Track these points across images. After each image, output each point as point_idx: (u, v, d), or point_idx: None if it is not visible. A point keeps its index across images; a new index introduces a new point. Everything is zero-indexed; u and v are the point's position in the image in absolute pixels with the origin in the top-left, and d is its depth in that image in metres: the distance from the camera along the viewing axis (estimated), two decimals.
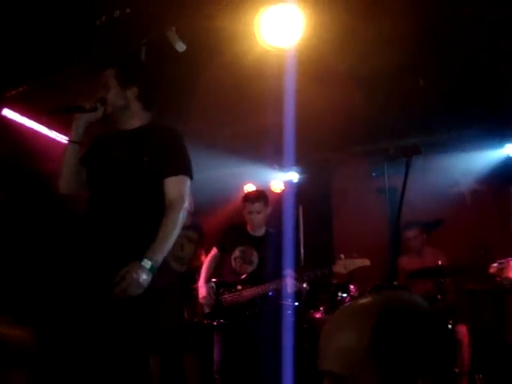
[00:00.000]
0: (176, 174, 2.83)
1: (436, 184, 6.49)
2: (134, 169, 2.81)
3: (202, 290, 4.82)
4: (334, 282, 4.80)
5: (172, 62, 3.77)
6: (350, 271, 4.46)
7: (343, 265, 4.44)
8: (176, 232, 2.77)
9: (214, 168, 6.35)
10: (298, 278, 4.74)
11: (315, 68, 4.05)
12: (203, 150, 5.92)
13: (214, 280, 4.89)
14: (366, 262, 4.44)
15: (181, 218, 2.79)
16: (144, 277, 2.58)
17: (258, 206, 4.88)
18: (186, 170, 2.89)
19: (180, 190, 2.82)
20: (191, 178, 2.91)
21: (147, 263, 2.61)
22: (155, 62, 3.59)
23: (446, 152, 6.37)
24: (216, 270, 5.02)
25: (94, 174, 2.96)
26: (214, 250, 5.06)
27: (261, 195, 5.04)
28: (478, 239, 5.91)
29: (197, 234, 5.21)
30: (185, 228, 5.74)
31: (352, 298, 4.61)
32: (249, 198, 4.99)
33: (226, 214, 6.69)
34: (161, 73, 3.30)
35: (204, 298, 4.78)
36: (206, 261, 5.04)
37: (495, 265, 3.21)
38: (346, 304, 1.37)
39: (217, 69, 4.03)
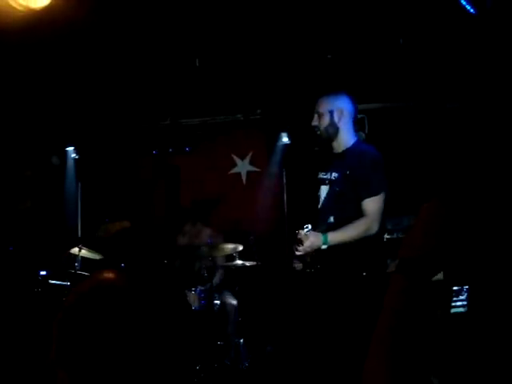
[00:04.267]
0: None
1: (217, 166, 6.69)
2: None
3: None
4: None
5: None
6: (111, 234, 4.47)
7: (105, 229, 4.45)
8: None
9: None
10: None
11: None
12: None
13: None
14: (126, 224, 4.48)
15: None
16: None
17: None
18: None
19: None
20: None
21: None
22: None
23: (227, 136, 6.60)
24: None
25: None
26: None
27: None
28: (251, 215, 6.22)
29: None
30: None
31: None
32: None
33: None
34: None
35: None
36: None
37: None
38: None
39: None
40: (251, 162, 6.66)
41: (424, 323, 1.24)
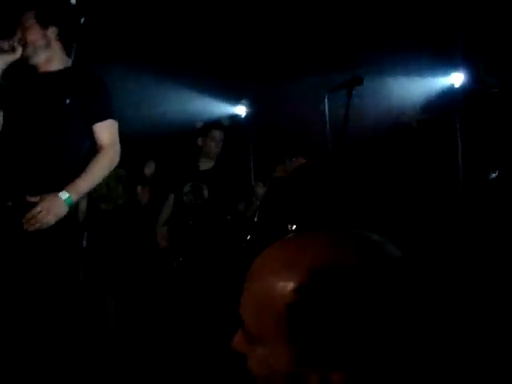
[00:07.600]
0: (105, 118, 2.89)
1: (383, 112, 6.47)
2: (55, 110, 2.79)
3: (158, 235, 4.92)
4: None
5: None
6: (289, 171, 4.47)
7: (282, 169, 4.49)
8: (102, 175, 2.84)
9: (161, 104, 6.24)
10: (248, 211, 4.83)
11: None
12: (150, 85, 5.83)
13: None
14: (301, 160, 4.47)
15: (112, 162, 2.86)
16: (58, 207, 2.60)
17: (219, 134, 4.98)
18: (113, 114, 2.94)
19: (112, 135, 2.88)
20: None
21: (64, 194, 2.65)
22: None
23: (393, 79, 6.33)
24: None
25: (11, 115, 2.90)
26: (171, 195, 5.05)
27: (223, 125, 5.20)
28: (422, 164, 6.01)
29: (125, 171, 5.20)
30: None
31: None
32: (213, 124, 5.13)
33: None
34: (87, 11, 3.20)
35: (160, 243, 4.87)
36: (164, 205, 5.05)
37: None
38: (284, 238, 0.98)
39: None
40: (421, 109, 6.37)
41: None
